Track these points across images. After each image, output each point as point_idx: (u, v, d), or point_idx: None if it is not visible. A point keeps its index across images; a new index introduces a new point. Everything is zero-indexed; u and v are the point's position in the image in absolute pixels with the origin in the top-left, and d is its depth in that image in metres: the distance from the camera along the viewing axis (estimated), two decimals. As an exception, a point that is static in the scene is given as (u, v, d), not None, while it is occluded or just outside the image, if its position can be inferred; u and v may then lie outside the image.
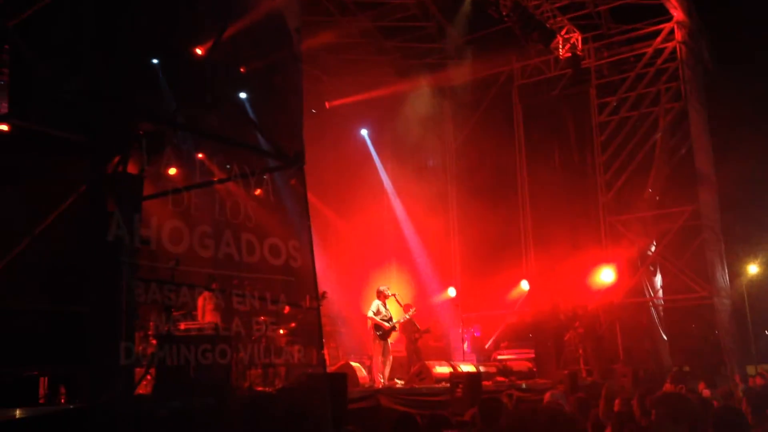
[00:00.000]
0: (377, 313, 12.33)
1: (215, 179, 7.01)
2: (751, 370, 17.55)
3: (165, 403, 5.99)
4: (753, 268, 28.07)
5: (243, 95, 10.86)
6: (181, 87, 7.58)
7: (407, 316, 13.01)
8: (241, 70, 10.35)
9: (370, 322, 12.40)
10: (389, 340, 12.51)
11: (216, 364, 5.99)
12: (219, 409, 6.48)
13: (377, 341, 12.29)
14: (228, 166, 7.22)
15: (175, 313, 7.48)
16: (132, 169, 6.22)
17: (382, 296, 12.54)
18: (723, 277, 16.65)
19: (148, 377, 6.88)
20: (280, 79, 8.00)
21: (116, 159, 6.09)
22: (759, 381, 12.09)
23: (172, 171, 11.84)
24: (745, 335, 22.97)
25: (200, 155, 11.89)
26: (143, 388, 6.86)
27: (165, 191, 6.29)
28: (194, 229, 5.43)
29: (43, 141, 5.74)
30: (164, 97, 8.25)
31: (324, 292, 10.70)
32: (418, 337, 13.96)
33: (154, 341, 7.89)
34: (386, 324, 12.33)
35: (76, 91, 5.79)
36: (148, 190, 6.37)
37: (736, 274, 24.35)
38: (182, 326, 8.31)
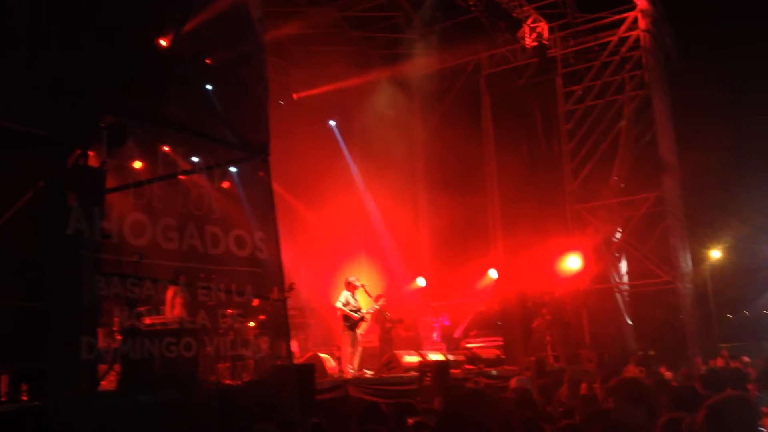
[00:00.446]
0: (346, 303, 12.37)
1: (179, 171, 6.94)
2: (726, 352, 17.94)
3: (130, 398, 5.96)
4: (716, 254, 28.66)
5: (208, 87, 10.77)
6: (144, 79, 7.49)
7: (377, 306, 13.06)
8: (207, 61, 10.25)
9: (339, 313, 12.43)
10: (358, 331, 12.56)
11: (182, 358, 5.96)
12: (186, 403, 6.46)
13: (346, 332, 12.33)
14: (193, 158, 7.15)
15: (140, 308, 7.41)
16: (93, 162, 6.14)
17: (350, 287, 12.58)
18: (686, 263, 16.96)
19: (113, 373, 6.82)
20: (245, 70, 7.94)
21: (77, 152, 6.00)
22: (720, 362, 12.37)
23: (137, 164, 11.70)
24: (709, 319, 23.46)
25: (164, 147, 11.77)
26: (108, 385, 6.80)
27: (127, 184, 6.23)
28: (157, 222, 5.38)
29: (3, 136, 5.64)
30: (127, 88, 8.14)
31: (291, 284, 10.70)
32: (390, 327, 14.03)
33: (118, 336, 7.82)
34: (355, 315, 12.37)
35: (35, 84, 5.69)
36: (111, 183, 6.30)
37: (699, 259, 24.82)
38: (147, 321, 8.24)
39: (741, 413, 2.80)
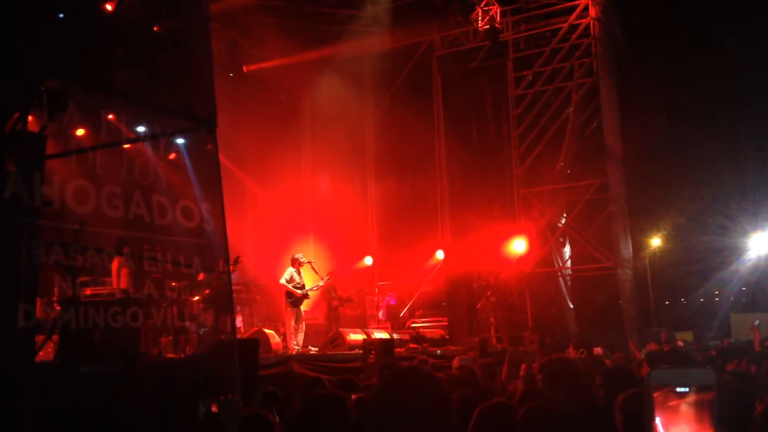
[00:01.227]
0: (290, 280, 12.36)
1: (124, 139, 6.77)
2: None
3: (68, 370, 5.83)
4: (656, 241, 29.54)
5: (153, 55, 10.50)
6: (87, 43, 7.26)
7: (321, 283, 13.06)
8: (155, 29, 9.98)
9: (283, 290, 12.41)
10: (302, 308, 12.56)
11: (123, 329, 5.85)
12: (127, 375, 6.36)
13: (289, 308, 12.33)
14: (137, 128, 6.98)
15: (82, 278, 7.25)
16: (33, 127, 5.95)
17: (296, 264, 12.56)
18: (627, 249, 17.40)
19: (51, 344, 6.66)
20: (191, 39, 7.77)
21: (15, 116, 5.80)
22: (653, 347, 12.79)
23: (80, 132, 11.36)
24: (647, 305, 24.21)
25: (108, 116, 11.45)
26: (47, 356, 6.64)
27: (69, 150, 6.04)
28: (101, 189, 5.24)
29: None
30: (69, 52, 7.88)
31: (237, 257, 10.62)
32: (337, 305, 14.07)
33: (57, 307, 7.63)
34: (298, 291, 12.37)
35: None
36: (51, 149, 6.11)
37: (639, 246, 25.56)
38: (88, 291, 8.06)
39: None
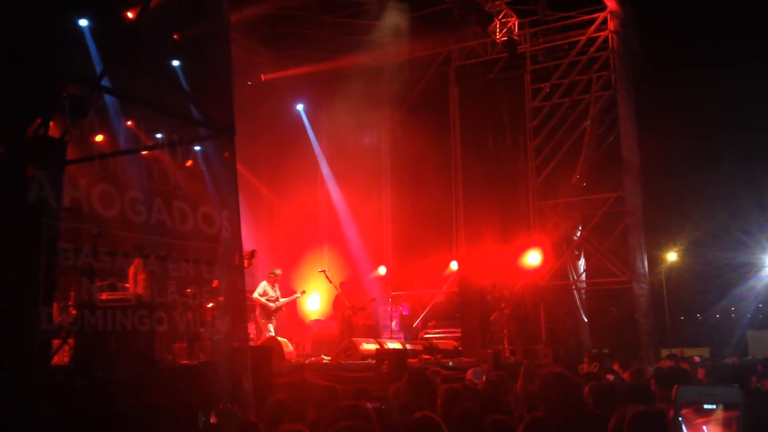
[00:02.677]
0: (263, 294, 12.65)
1: (143, 146, 6.83)
2: (665, 352, 18.37)
3: (84, 374, 5.86)
4: (672, 256, 29.28)
5: (174, 63, 10.59)
6: (109, 50, 7.34)
7: (298, 295, 13.51)
8: (175, 37, 10.08)
9: (256, 303, 12.64)
10: (273, 321, 12.87)
11: (138, 335, 5.89)
12: (141, 380, 6.38)
13: (264, 321, 12.59)
14: (156, 135, 7.04)
15: (99, 283, 7.29)
16: (54, 132, 6.01)
17: (270, 278, 12.86)
18: (643, 263, 17.27)
19: (67, 348, 6.69)
20: (211, 48, 7.84)
21: (38, 122, 5.87)
22: (667, 363, 12.65)
23: (99, 138, 11.48)
24: (662, 320, 23.99)
25: (127, 123, 11.58)
26: (62, 360, 6.68)
27: (91, 156, 6.10)
28: (124, 194, 5.30)
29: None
30: (91, 59, 7.97)
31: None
32: (350, 315, 14.06)
33: (73, 311, 7.68)
34: (271, 305, 12.64)
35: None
36: (71, 154, 6.17)
37: (655, 261, 25.35)
38: (104, 296, 8.10)
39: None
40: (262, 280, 12.96)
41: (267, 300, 12.65)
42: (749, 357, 20.42)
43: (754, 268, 27.56)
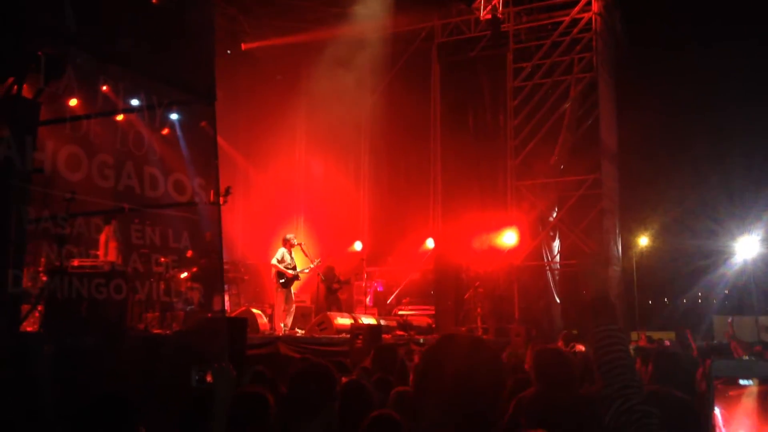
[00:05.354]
0: (281, 260, 12.28)
1: (119, 109, 6.64)
2: (634, 335, 18.62)
3: (52, 340, 5.74)
4: (643, 240, 29.61)
5: (154, 23, 10.33)
6: (86, 9, 7.10)
7: (312, 266, 13.00)
8: (153, 1, 9.81)
9: (273, 270, 12.33)
10: (292, 289, 12.50)
11: (110, 302, 5.77)
12: (111, 348, 6.28)
13: (280, 289, 12.25)
14: (133, 97, 6.85)
15: (70, 249, 7.13)
16: (28, 92, 5.82)
17: (288, 244, 12.49)
18: (616, 246, 17.42)
19: (36, 314, 6.56)
20: (193, 12, 7.64)
21: (10, 80, 5.68)
22: (642, 343, 12.83)
23: (73, 102, 11.20)
24: (632, 303, 24.29)
25: (104, 84, 11.29)
26: (31, 326, 6.54)
27: (63, 117, 5.93)
28: (93, 158, 5.14)
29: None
30: (66, 17, 7.72)
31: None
32: (337, 288, 14.04)
33: (44, 277, 7.52)
34: (290, 272, 12.29)
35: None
36: (45, 116, 5.98)
37: (627, 244, 25.61)
38: (76, 262, 7.94)
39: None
40: (280, 246, 12.61)
41: (285, 267, 12.32)
42: (715, 341, 20.79)
43: (723, 255, 27.95)
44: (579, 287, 17.76)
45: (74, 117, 5.74)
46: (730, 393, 1.36)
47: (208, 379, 3.08)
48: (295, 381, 3.32)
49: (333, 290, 13.96)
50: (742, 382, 1.36)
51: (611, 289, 16.05)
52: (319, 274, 13.70)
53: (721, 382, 1.36)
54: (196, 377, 3.07)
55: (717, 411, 1.35)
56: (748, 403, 1.35)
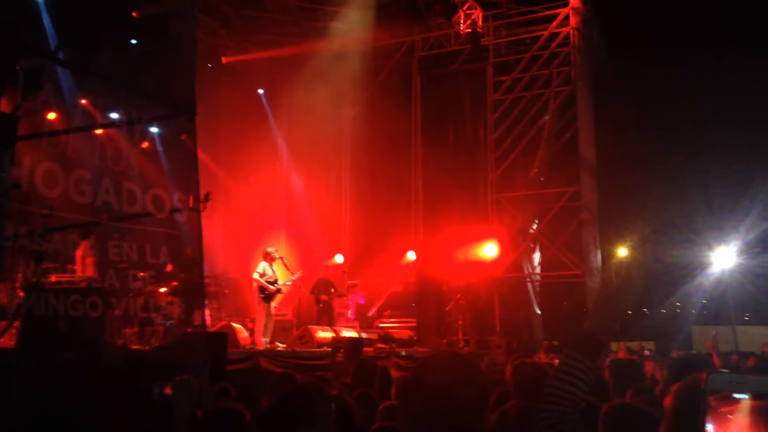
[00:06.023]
0: (263, 274, 12.23)
1: (98, 124, 6.63)
2: (614, 346, 18.73)
3: (29, 356, 5.69)
4: (622, 251, 29.84)
5: (134, 41, 10.32)
6: (65, 24, 7.10)
7: (294, 278, 12.98)
8: (134, 14, 9.81)
9: (255, 284, 12.27)
10: (273, 303, 12.45)
11: (87, 318, 5.72)
12: (89, 364, 6.22)
13: (261, 303, 12.19)
14: (113, 112, 6.83)
15: (48, 265, 7.08)
16: (5, 106, 5.79)
17: (269, 258, 12.45)
18: (596, 258, 17.53)
19: (14, 330, 6.50)
20: (175, 26, 7.65)
21: (-12, 94, 5.65)
22: (621, 355, 12.92)
23: (52, 115, 11.13)
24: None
25: (82, 101, 11.25)
26: (8, 342, 6.48)
27: (41, 132, 5.90)
28: (71, 173, 5.12)
29: None
30: (46, 32, 7.70)
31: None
32: (326, 300, 14.06)
33: (21, 293, 7.45)
34: (271, 286, 12.25)
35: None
36: (23, 129, 5.95)
37: (606, 256, 25.80)
38: (53, 278, 7.88)
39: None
40: (261, 260, 12.54)
41: (267, 281, 12.25)
42: (693, 351, 20.95)
43: (701, 265, 28.21)
44: (560, 299, 17.87)
45: (52, 132, 5.72)
46: (722, 409, 1.35)
47: (168, 392, 3.08)
48: (281, 400, 3.29)
49: (320, 302, 13.97)
50: (736, 396, 1.34)
51: (591, 301, 16.15)
52: (300, 287, 13.67)
53: (717, 397, 1.35)
54: (157, 390, 3.06)
55: (710, 428, 1.34)
56: (741, 419, 1.34)
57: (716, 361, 14.02)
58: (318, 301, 14.01)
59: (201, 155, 14.23)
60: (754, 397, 1.32)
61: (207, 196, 9.59)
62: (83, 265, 9.77)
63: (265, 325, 12.13)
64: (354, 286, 16.40)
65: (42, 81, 6.02)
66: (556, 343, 16.25)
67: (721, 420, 1.33)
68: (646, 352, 13.41)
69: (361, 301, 17.32)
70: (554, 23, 16.70)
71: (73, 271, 9.38)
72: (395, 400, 4.57)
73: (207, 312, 12.73)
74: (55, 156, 5.26)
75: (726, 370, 1.36)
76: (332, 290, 14.29)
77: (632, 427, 2.77)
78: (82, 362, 5.98)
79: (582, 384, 1.73)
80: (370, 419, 4.04)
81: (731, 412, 1.33)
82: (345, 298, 15.19)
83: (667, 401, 1.94)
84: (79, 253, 9.54)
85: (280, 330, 13.09)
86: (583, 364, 1.73)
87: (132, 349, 8.56)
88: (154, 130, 13.43)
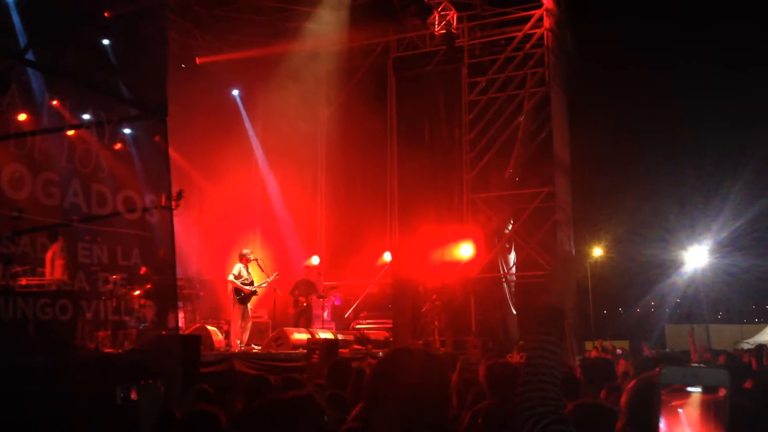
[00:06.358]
0: (238, 276, 12.17)
1: (67, 126, 6.54)
2: (588, 345, 18.91)
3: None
4: (597, 252, 30.16)
5: (105, 41, 10.20)
6: (34, 24, 7.00)
7: (269, 280, 12.93)
8: (105, 14, 9.70)
9: (230, 286, 12.21)
10: (249, 305, 12.39)
11: (57, 321, 5.66)
12: (60, 368, 6.15)
13: (236, 305, 12.12)
14: (82, 114, 6.75)
15: (16, 268, 6.96)
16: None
17: (244, 260, 12.38)
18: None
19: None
20: (146, 26, 7.59)
21: (-47, 95, 5.57)
22: (594, 354, 13.04)
23: (22, 117, 10.96)
24: (586, 312, 24.69)
25: (53, 102, 11.09)
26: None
27: (8, 134, 5.81)
28: (38, 176, 5.05)
29: None
30: (16, 32, 7.59)
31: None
32: (304, 302, 14.03)
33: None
34: (247, 288, 12.18)
35: None
36: (-11, 131, 5.86)
37: (582, 255, 26.03)
38: (23, 281, 7.75)
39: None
40: (236, 262, 12.48)
41: (242, 283, 12.17)
42: (667, 350, 21.24)
43: (674, 264, 28.63)
44: (534, 299, 18.00)
45: (19, 134, 5.64)
46: (673, 402, 1.33)
47: (133, 396, 3.04)
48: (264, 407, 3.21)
49: (299, 303, 13.95)
50: (689, 389, 1.33)
51: (567, 300, 16.26)
52: (276, 289, 13.62)
53: (668, 390, 1.34)
54: (121, 394, 3.03)
55: (661, 422, 1.33)
56: (691, 412, 1.32)
57: (694, 356, 14.25)
58: (296, 303, 13.96)
59: (174, 156, 14.16)
60: (705, 390, 1.32)
61: (180, 194, 9.47)
62: (52, 267, 9.62)
63: (242, 328, 12.07)
64: (334, 287, 16.35)
65: (9, 81, 5.93)
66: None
67: (671, 414, 1.33)
68: (619, 351, 13.53)
69: (338, 303, 17.29)
70: (528, 24, 16.81)
71: (43, 274, 9.24)
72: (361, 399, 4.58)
73: (181, 314, 12.64)
74: (22, 158, 5.20)
75: (683, 365, 1.34)
76: (314, 292, 14.26)
77: (597, 426, 2.78)
78: (51, 366, 5.91)
79: (557, 357, 1.74)
80: (342, 420, 4.03)
81: (682, 406, 1.33)
82: (322, 299, 15.15)
83: (623, 397, 1.95)
84: (48, 255, 9.39)
85: (256, 332, 13.02)
86: (551, 336, 1.74)
87: (104, 352, 8.45)
88: (127, 131, 13.29)
